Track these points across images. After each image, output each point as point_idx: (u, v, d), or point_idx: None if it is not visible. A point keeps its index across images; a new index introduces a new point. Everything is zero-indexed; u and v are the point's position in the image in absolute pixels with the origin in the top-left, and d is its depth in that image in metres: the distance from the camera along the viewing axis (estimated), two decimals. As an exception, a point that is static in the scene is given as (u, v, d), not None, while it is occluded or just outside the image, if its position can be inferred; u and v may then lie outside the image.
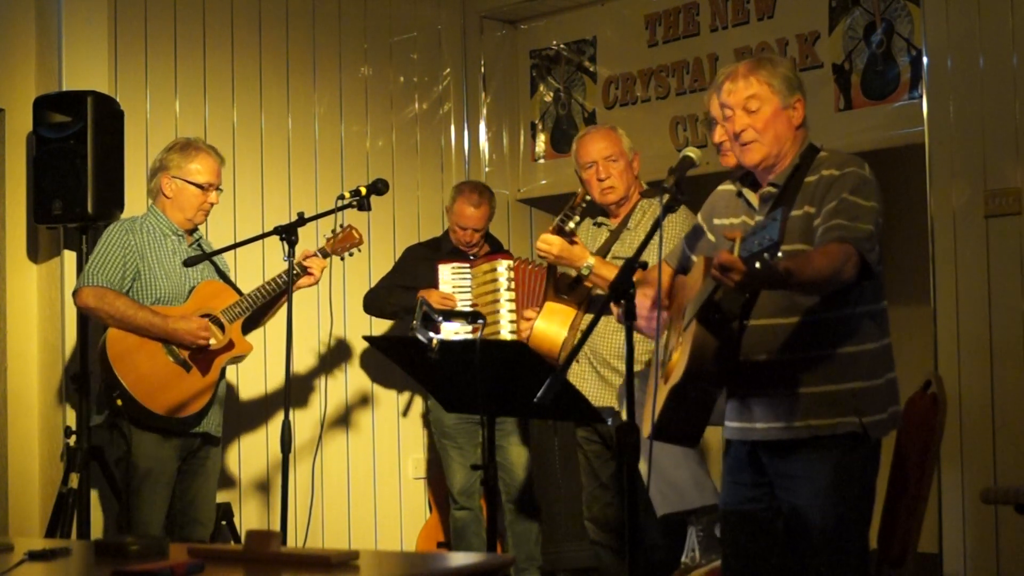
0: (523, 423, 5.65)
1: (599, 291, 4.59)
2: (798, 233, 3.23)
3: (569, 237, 4.49)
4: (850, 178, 3.23)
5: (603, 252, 4.68)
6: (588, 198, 4.57)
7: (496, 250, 5.71)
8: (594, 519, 4.95)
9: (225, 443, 5.26)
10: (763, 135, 3.30)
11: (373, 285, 5.86)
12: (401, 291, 5.58)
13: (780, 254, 2.76)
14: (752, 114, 3.31)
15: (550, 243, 4.51)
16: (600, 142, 4.74)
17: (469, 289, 5.41)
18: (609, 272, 4.45)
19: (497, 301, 5.22)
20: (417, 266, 5.66)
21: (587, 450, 4.93)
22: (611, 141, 4.73)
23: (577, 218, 4.49)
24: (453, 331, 5.12)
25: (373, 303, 5.75)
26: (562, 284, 4.71)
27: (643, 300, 3.40)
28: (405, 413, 6.32)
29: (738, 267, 2.84)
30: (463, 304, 5.37)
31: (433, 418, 5.75)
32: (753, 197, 3.39)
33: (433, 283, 5.47)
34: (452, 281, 5.45)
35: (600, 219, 4.81)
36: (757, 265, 2.78)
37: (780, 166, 3.35)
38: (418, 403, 6.31)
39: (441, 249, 5.71)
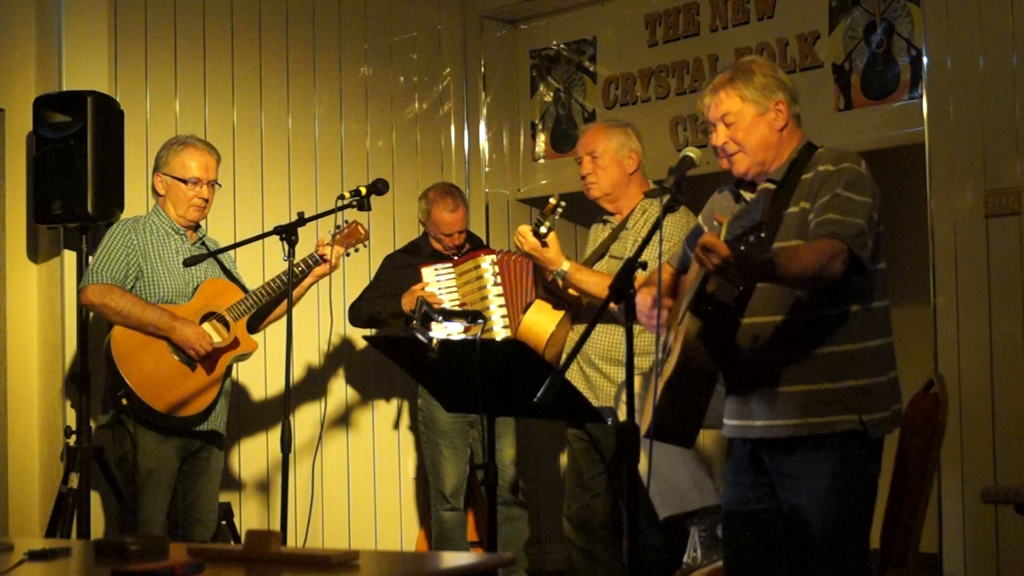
0: (515, 423, 5.62)
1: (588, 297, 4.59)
2: (794, 229, 3.23)
3: (542, 240, 4.49)
4: (845, 173, 3.24)
5: (602, 250, 4.69)
6: (562, 204, 4.56)
7: (477, 247, 5.63)
8: (570, 518, 4.92)
9: (226, 443, 5.26)
10: (744, 145, 3.35)
11: (353, 300, 5.69)
12: (385, 300, 5.45)
13: (764, 235, 2.77)
14: (730, 127, 3.36)
15: (525, 238, 4.52)
16: (587, 137, 4.79)
17: (455, 288, 5.32)
18: (585, 277, 4.47)
19: (486, 298, 5.19)
20: (396, 275, 5.53)
21: (575, 448, 4.92)
22: (599, 137, 4.73)
23: (548, 223, 4.49)
24: (450, 331, 5.10)
25: (359, 316, 5.58)
26: (554, 283, 4.71)
27: (645, 298, 3.41)
28: (396, 425, 6.31)
29: (720, 249, 2.84)
30: (450, 304, 5.26)
31: (426, 416, 5.58)
32: (751, 197, 3.40)
33: None
34: (437, 283, 5.34)
35: (606, 216, 4.81)
36: (741, 247, 2.78)
37: (775, 164, 3.36)
38: (408, 405, 6.27)
39: (421, 253, 5.60)
